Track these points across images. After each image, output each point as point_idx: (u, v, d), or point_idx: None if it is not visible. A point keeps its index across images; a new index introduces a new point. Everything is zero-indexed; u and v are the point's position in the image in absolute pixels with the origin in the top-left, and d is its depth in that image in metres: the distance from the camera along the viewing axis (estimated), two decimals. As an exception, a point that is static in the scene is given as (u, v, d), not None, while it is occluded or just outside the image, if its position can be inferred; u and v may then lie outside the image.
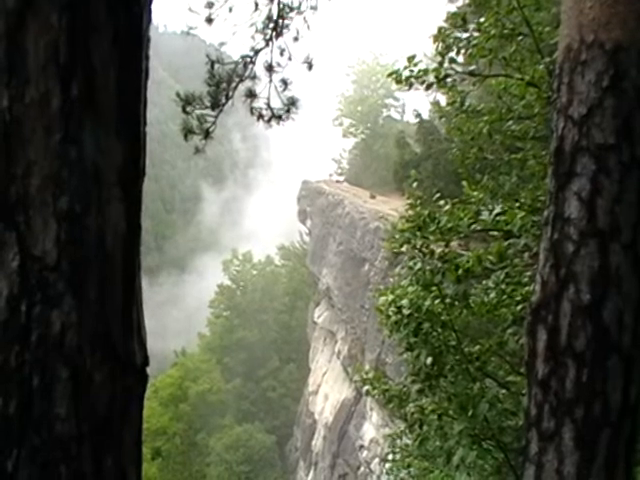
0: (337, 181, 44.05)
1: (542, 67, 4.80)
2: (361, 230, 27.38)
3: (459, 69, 5.32)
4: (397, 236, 4.91)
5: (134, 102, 0.92)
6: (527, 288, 4.34)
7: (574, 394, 1.26)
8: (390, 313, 4.65)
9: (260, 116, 5.89)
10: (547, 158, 1.60)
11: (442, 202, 4.88)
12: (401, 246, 4.83)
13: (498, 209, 4.36)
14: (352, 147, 49.99)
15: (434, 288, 4.50)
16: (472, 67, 5.48)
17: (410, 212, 4.90)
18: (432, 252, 4.56)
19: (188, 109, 5.53)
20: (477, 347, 4.71)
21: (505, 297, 4.58)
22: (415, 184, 5.41)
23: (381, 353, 22.67)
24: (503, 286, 4.58)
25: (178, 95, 5.47)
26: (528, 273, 4.44)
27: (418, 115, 28.29)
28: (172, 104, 5.78)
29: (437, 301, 4.49)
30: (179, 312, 59.24)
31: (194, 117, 5.57)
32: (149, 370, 0.98)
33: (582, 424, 1.25)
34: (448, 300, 4.49)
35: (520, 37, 5.03)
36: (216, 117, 5.72)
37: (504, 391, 4.59)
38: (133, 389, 0.89)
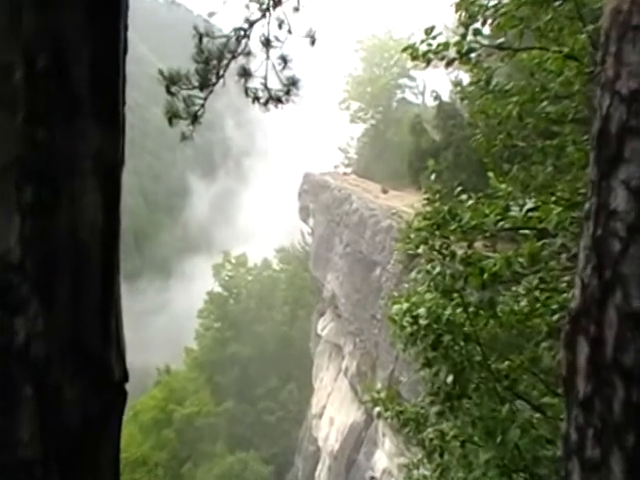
0: (344, 173, 44.18)
1: (584, 36, 4.72)
2: (371, 229, 27.40)
3: (485, 42, 5.27)
4: (413, 236, 4.92)
5: (111, 79, 0.91)
6: (565, 295, 4.33)
7: (623, 417, 1.22)
8: (405, 324, 4.66)
9: (256, 98, 5.89)
10: (588, 143, 1.57)
11: (464, 196, 4.88)
12: (417, 247, 4.84)
13: (530, 204, 4.35)
14: (361, 134, 49.97)
15: (455, 295, 4.52)
16: (500, 39, 5.41)
17: (427, 208, 4.91)
18: (453, 254, 4.57)
19: (173, 90, 5.53)
20: (506, 363, 4.71)
21: (539, 305, 4.57)
22: (433, 176, 5.39)
23: (395, 370, 22.66)
24: (536, 293, 4.58)
25: (161, 73, 5.46)
26: (566, 278, 4.43)
27: (437, 97, 28.31)
28: (155, 84, 5.79)
29: (459, 310, 4.51)
30: (163, 323, 59.50)
31: (180, 99, 5.57)
32: (128, 390, 0.97)
33: (633, 452, 1.20)
34: (472, 309, 4.50)
35: (557, 2, 4.93)
36: (205, 99, 5.73)
37: (538, 415, 4.55)
38: (111, 406, 0.87)
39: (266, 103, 5.87)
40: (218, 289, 47.07)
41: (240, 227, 73.23)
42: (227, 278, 47.56)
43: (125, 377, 0.93)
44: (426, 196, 5.09)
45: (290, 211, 46.39)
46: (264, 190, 77.91)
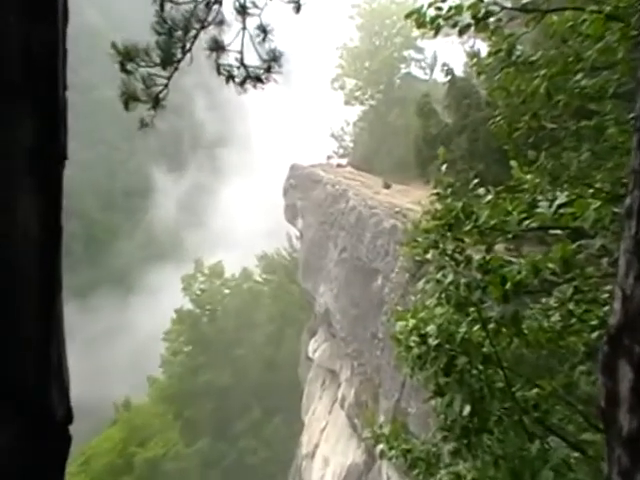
0: (338, 165, 44.38)
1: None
2: (372, 231, 27.49)
3: (506, 4, 5.22)
4: (420, 239, 4.94)
5: (48, 55, 0.88)
6: (606, 308, 4.31)
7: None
8: (412, 344, 4.70)
9: (230, 77, 5.86)
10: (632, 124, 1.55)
11: (482, 190, 4.90)
12: (426, 252, 4.87)
13: (562, 198, 4.33)
14: (358, 118, 50.10)
15: (472, 309, 4.53)
16: (525, 0, 5.30)
17: (438, 205, 4.93)
18: (469, 259, 4.59)
19: (129, 67, 5.47)
20: (535, 391, 4.69)
21: (574, 321, 4.57)
22: (444, 167, 5.39)
23: (400, 399, 22.67)
24: (571, 305, 4.57)
25: (115, 47, 5.40)
26: (607, 287, 4.39)
27: (449, 72, 28.43)
28: (109, 61, 5.73)
29: (476, 327, 4.52)
30: (122, 348, 59.25)
31: (138, 78, 5.52)
32: (76, 430, 0.95)
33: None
34: (492, 325, 4.49)
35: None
36: (169, 78, 5.68)
37: (576, 454, 4.47)
38: (51, 455, 0.85)
39: (243, 83, 5.84)
40: (188, 306, 47.06)
41: (215, 231, 73.28)
42: (199, 292, 47.54)
43: (69, 418, 0.91)
44: (436, 191, 5.11)
45: (275, 211, 46.41)
46: (243, 186, 78.15)
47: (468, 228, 4.56)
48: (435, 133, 27.03)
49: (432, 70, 48.28)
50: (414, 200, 25.66)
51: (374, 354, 25.59)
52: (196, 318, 46.54)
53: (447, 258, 4.66)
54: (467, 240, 4.66)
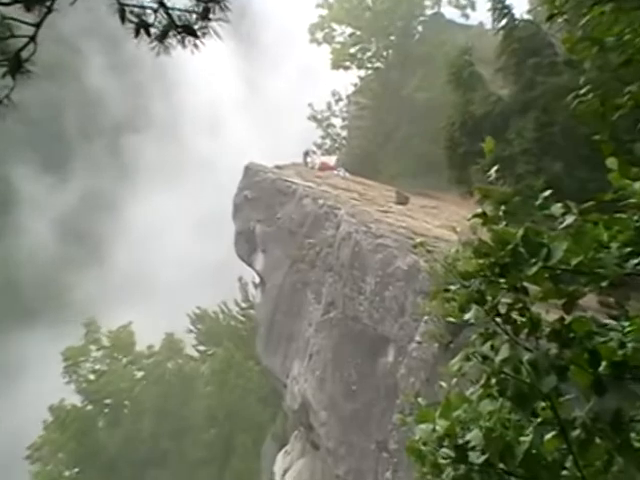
0: (323, 166, 44.59)
1: None
2: (377, 275, 27.53)
3: None
4: (457, 287, 4.88)
5: None
6: None
7: None
8: (442, 460, 4.69)
9: (143, 26, 5.88)
10: None
11: (558, 208, 4.88)
12: (465, 309, 4.82)
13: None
14: (355, 90, 50.48)
15: (543, 405, 4.52)
16: None
17: (484, 233, 4.88)
18: (536, 322, 4.58)
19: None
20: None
21: None
22: (495, 169, 5.37)
23: None
24: None
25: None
26: None
27: (503, 11, 28.68)
28: None
29: (550, 434, 4.50)
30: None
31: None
32: None
33: None
34: (577, 432, 4.44)
35: None
36: (38, 25, 5.62)
37: None
38: None
39: (163, 37, 5.89)
40: (73, 399, 46.80)
41: (120, 271, 73.52)
42: (92, 376, 47.27)
43: None
44: (481, 209, 5.05)
45: (219, 240, 46.47)
46: (168, 197, 78.58)
47: (534, 270, 4.50)
48: (480, 113, 27.28)
49: (473, 9, 49.08)
50: (446, 223, 25.79)
51: (383, 476, 25.37)
52: (86, 418, 46.15)
53: (499, 320, 4.64)
54: (533, 290, 4.59)
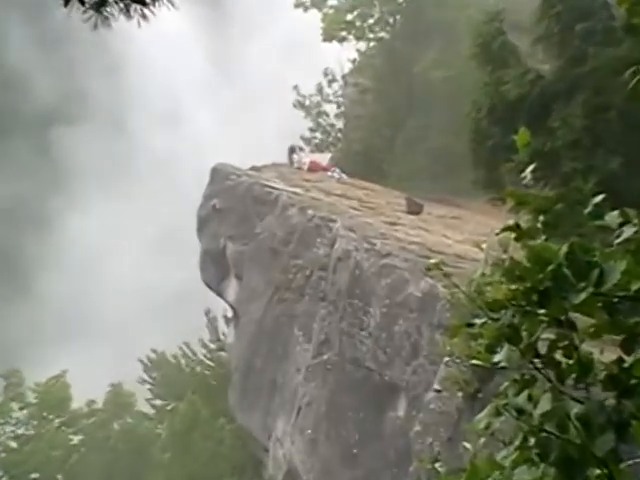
0: (313, 168, 44.48)
1: None
2: (383, 304, 27.53)
3: None
4: (484, 320, 4.87)
5: None
6: None
7: None
8: None
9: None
10: None
11: (613, 216, 4.90)
12: (492, 349, 4.86)
13: None
14: (353, 67, 50.43)
15: (598, 473, 4.45)
16: None
17: (518, 250, 4.86)
18: (585, 364, 4.55)
19: None
20: None
21: None
22: (531, 169, 5.36)
23: None
24: None
25: None
26: None
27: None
28: None
29: None
30: None
31: None
32: None
33: None
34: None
35: None
36: None
37: None
38: None
39: (101, 5, 5.85)
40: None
41: (51, 303, 73.07)
42: (14, 444, 47.01)
43: None
44: (513, 221, 5.05)
45: (178, 261, 46.17)
46: (113, 207, 78.34)
47: (583, 297, 4.48)
48: (514, 96, 27.25)
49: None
50: (470, 238, 25.80)
51: None
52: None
53: (539, 362, 4.61)
54: (582, 323, 4.58)
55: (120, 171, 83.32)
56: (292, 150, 47.84)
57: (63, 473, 47.17)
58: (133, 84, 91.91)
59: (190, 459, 45.44)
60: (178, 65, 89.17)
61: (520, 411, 4.64)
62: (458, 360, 21.60)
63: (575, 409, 4.46)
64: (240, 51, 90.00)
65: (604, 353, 4.62)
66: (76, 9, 5.88)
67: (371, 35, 49.06)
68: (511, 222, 5.15)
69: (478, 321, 4.98)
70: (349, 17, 49.43)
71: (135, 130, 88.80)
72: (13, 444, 47.04)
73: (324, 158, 46.16)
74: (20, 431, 47.94)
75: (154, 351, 50.16)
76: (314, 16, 50.85)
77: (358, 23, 49.25)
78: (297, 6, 51.77)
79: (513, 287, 4.77)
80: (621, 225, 4.82)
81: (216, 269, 40.88)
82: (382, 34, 48.35)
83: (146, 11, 5.98)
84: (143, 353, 49.78)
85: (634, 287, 4.50)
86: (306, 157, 46.28)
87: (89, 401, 49.78)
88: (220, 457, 44.00)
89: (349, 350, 28.71)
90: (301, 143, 50.16)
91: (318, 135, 51.42)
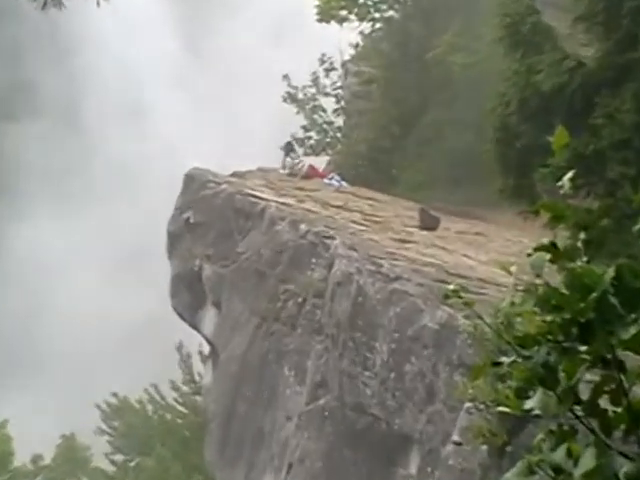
0: (310, 171, 44.47)
1: None
2: (392, 338, 27.51)
3: None
4: (512, 358, 4.94)
5: None
6: None
7: None
8: None
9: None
10: None
11: None
12: (524, 393, 4.88)
13: None
14: (355, 53, 50.50)
15: None
16: None
17: (556, 271, 4.89)
18: (638, 413, 4.55)
19: None
20: None
21: None
22: (570, 175, 5.38)
23: None
24: None
25: None
26: None
27: None
28: None
29: None
30: None
31: None
32: None
33: None
34: None
35: None
36: None
37: None
38: None
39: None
40: None
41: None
42: None
43: None
44: (549, 239, 5.06)
45: (144, 286, 46.25)
46: (65, 221, 78.61)
47: (633, 332, 4.49)
48: (550, 87, 27.31)
49: None
50: (496, 258, 25.85)
51: None
52: None
53: (580, 410, 4.60)
54: (632, 362, 4.60)
55: (74, 175, 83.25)
56: (289, 148, 47.02)
57: None
58: (90, 72, 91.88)
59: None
60: (144, 49, 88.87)
61: (557, 469, 4.63)
62: (482, 406, 21.60)
63: (624, 467, 4.45)
64: (219, 33, 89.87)
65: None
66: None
67: (377, 14, 49.06)
68: (546, 240, 5.16)
69: (506, 359, 4.97)
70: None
71: (92, 126, 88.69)
72: None
73: (318, 163, 46.15)
74: None
75: (115, 395, 50.13)
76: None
77: (361, 0, 49.32)
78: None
79: (548, 318, 4.77)
80: None
81: (190, 296, 40.79)
82: (390, 13, 48.37)
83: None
84: (101, 397, 49.76)
85: None
86: (302, 160, 46.03)
87: (35, 456, 49.73)
88: None
89: (350, 394, 28.65)
90: (292, 143, 50.09)
91: (313, 135, 51.40)
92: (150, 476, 46.83)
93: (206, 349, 42.36)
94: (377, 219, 35.37)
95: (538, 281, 5.08)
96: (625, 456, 4.51)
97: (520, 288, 5.42)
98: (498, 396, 5.14)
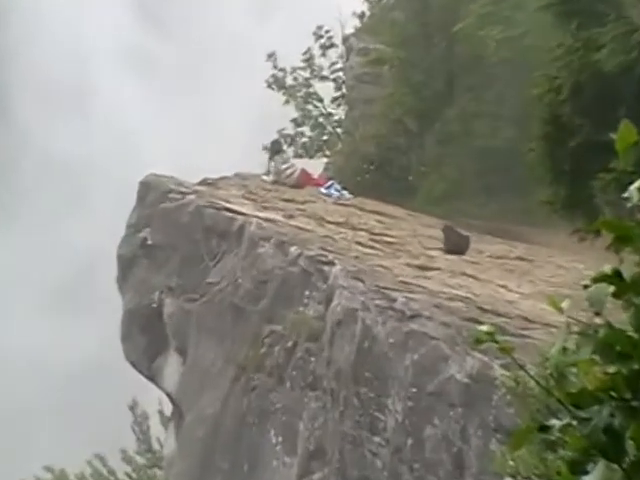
0: (301, 180, 44.53)
1: None
2: (407, 393, 27.53)
3: None
4: (565, 420, 4.90)
5: None
6: None
7: None
8: None
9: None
10: None
11: None
12: (580, 466, 4.85)
13: None
14: (359, 27, 50.77)
15: None
16: None
17: (621, 308, 4.84)
18: None
19: None
20: None
21: None
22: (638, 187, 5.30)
23: None
24: None
25: None
26: None
27: None
28: None
29: None
30: None
31: None
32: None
33: None
34: None
35: None
36: None
37: None
38: None
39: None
40: None
41: None
42: None
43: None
44: (612, 265, 4.99)
45: (88, 324, 46.35)
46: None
47: None
48: (613, 69, 27.37)
49: None
50: (542, 290, 25.87)
51: None
52: None
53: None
54: None
55: (0, 180, 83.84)
56: (275, 148, 46.84)
57: None
58: (21, 48, 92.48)
59: None
60: (91, 19, 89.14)
61: None
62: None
63: None
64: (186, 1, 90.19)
65: None
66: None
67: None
68: (608, 267, 5.07)
69: (557, 422, 4.90)
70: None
71: (23, 117, 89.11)
72: None
73: (314, 167, 46.22)
74: None
75: (48, 469, 50.22)
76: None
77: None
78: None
79: (612, 370, 4.70)
80: None
81: (146, 339, 40.69)
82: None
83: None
84: (31, 471, 49.89)
85: None
86: (292, 164, 45.87)
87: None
88: None
89: (355, 465, 28.57)
90: (280, 141, 50.24)
91: (306, 130, 51.49)
92: None
93: (167, 408, 42.30)
94: (389, 239, 35.34)
95: (598, 321, 5.01)
96: None
97: (575, 330, 5.35)
98: (547, 470, 5.13)
